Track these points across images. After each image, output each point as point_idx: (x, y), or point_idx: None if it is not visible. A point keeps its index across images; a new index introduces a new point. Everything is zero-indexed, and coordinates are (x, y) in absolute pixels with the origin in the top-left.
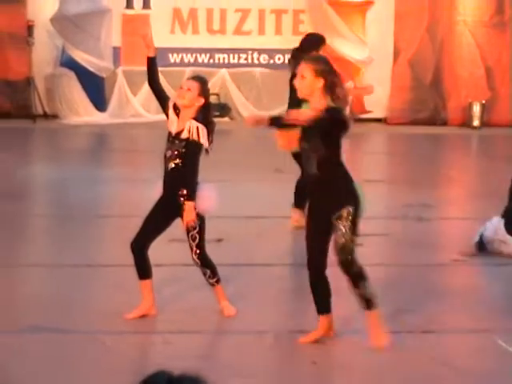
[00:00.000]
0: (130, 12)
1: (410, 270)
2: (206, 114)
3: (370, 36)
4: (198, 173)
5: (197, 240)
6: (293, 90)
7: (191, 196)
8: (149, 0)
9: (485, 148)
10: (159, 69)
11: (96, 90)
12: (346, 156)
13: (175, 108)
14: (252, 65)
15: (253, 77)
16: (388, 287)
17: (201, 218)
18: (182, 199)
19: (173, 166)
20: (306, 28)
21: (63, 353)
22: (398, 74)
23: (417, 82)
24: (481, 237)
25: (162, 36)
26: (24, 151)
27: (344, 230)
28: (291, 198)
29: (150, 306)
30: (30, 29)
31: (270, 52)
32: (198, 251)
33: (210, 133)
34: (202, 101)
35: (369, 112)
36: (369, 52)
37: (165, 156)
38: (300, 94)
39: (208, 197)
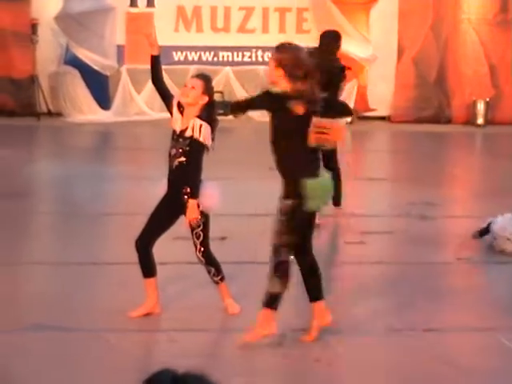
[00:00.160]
0: (134, 10)
1: (413, 268)
2: (209, 112)
3: (374, 34)
4: (201, 171)
5: (201, 238)
6: None
7: (194, 194)
8: None
9: (489, 146)
10: (163, 67)
11: (100, 88)
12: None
13: (179, 106)
14: (256, 63)
15: (257, 75)
16: (391, 285)
17: (205, 216)
18: (186, 197)
19: (177, 163)
20: (310, 26)
21: (67, 351)
22: (402, 71)
23: (421, 79)
24: (488, 225)
25: (166, 34)
26: (28, 149)
27: (281, 219)
28: None
29: (155, 304)
30: (34, 27)
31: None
32: (202, 249)
33: (212, 131)
34: (205, 99)
35: (373, 110)
36: (373, 50)
37: (169, 154)
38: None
39: (211, 195)
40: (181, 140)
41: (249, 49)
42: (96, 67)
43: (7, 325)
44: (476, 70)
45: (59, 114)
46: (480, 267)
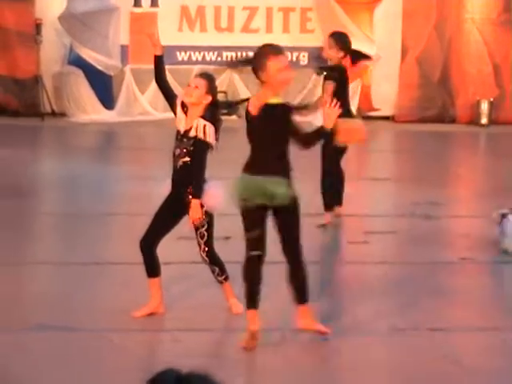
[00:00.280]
0: (137, 10)
1: (417, 268)
2: (213, 112)
3: (378, 34)
4: (205, 170)
5: (205, 237)
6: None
7: (198, 194)
8: None
9: (493, 146)
10: (167, 67)
11: (104, 88)
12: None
13: (183, 106)
14: None
15: None
16: (394, 285)
17: (209, 216)
18: (190, 197)
19: (182, 163)
20: (314, 26)
21: (70, 351)
22: (406, 71)
23: (425, 79)
24: (503, 216)
25: (170, 34)
26: (32, 149)
27: None
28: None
29: (158, 303)
30: (38, 27)
31: None
32: (206, 249)
33: (216, 130)
34: (209, 98)
35: (376, 110)
36: (376, 50)
37: (174, 154)
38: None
39: (215, 194)
40: (185, 140)
41: (252, 49)
42: (100, 67)
43: (10, 324)
44: (480, 70)
45: (63, 114)
46: (484, 267)
